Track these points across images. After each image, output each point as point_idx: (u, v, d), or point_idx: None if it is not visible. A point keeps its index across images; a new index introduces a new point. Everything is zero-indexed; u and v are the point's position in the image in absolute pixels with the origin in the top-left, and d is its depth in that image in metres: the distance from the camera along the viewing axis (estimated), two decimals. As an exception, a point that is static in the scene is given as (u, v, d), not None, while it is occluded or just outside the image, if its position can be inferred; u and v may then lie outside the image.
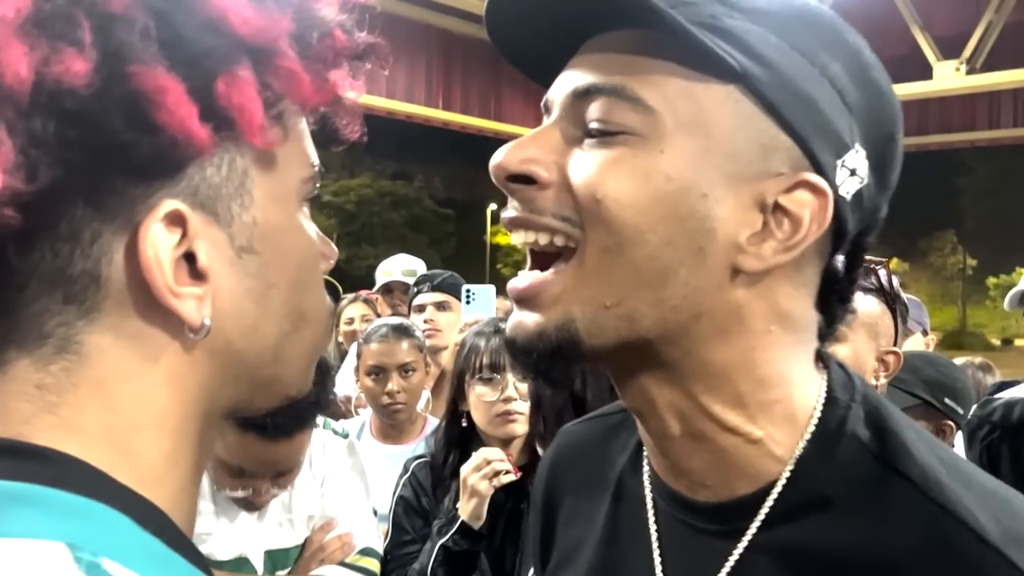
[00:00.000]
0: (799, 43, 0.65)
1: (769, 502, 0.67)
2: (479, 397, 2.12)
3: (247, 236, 0.56)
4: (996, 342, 54.74)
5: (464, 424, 2.18)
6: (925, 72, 9.27)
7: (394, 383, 2.61)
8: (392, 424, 2.68)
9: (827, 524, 0.65)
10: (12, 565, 0.44)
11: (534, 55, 0.74)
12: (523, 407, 2.04)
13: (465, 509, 2.01)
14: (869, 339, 1.73)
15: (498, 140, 11.89)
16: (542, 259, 0.69)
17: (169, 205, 0.52)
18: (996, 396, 2.16)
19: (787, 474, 0.67)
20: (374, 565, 2.00)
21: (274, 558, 1.91)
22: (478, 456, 2.02)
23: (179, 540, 0.53)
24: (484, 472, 1.98)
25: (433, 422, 2.75)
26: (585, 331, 0.65)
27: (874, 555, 0.63)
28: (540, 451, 1.92)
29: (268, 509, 1.92)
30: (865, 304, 1.73)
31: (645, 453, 0.78)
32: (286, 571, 1.90)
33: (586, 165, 0.65)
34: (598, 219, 0.64)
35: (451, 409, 2.23)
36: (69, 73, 0.47)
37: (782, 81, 0.64)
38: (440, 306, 3.24)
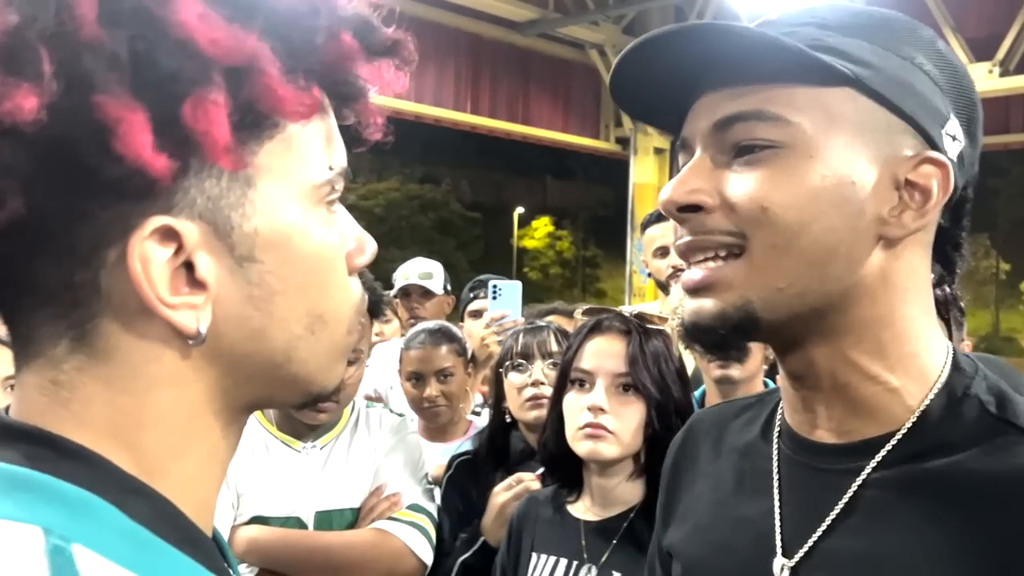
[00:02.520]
0: (887, 44, 0.79)
1: (890, 444, 0.79)
2: (511, 385, 2.18)
3: (248, 246, 0.58)
4: (1030, 347, 53.92)
5: (508, 420, 2.24)
6: (957, 74, 9.19)
7: (432, 388, 2.66)
8: (433, 426, 2.73)
9: (942, 464, 0.76)
10: None
11: (652, 107, 0.87)
12: (550, 392, 2.05)
13: (490, 528, 2.03)
14: None
15: (526, 144, 11.91)
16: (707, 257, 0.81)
17: (157, 222, 0.54)
18: None
19: (912, 420, 0.79)
20: (423, 520, 2.05)
21: (326, 518, 1.98)
22: (513, 478, 2.04)
23: (181, 526, 0.57)
24: (516, 491, 2.00)
25: (478, 423, 2.80)
26: (762, 310, 0.78)
27: (983, 489, 0.73)
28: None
29: (330, 470, 2.02)
30: None
31: (778, 417, 0.90)
32: (334, 530, 1.99)
33: (744, 183, 0.77)
34: (764, 224, 0.76)
35: (495, 406, 2.28)
36: (18, 110, 0.49)
37: (885, 76, 0.77)
38: None
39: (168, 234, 0.54)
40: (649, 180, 10.69)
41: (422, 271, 4.06)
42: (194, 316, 0.56)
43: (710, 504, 0.94)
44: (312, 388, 0.64)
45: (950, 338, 1.72)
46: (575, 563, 1.74)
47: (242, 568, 1.85)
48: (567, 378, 1.79)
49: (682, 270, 0.84)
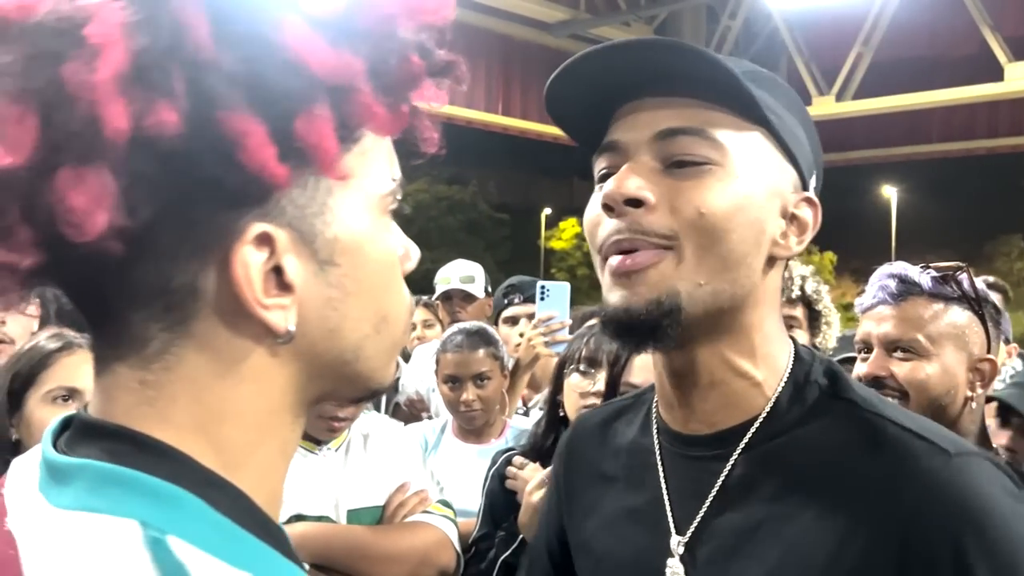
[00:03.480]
0: (782, 100, 0.94)
1: (752, 429, 0.92)
2: (572, 386, 2.14)
3: (329, 251, 0.62)
4: (1065, 349, 53.02)
5: (561, 414, 2.20)
6: (995, 73, 9.07)
7: (469, 392, 2.64)
8: (470, 429, 2.73)
9: (793, 441, 0.91)
10: (88, 535, 0.53)
11: (580, 119, 0.97)
12: None
13: (527, 525, 2.03)
14: (957, 350, 1.65)
15: (556, 145, 11.90)
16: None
17: (258, 228, 0.58)
18: None
19: (767, 408, 0.93)
20: (452, 514, 2.13)
21: (356, 516, 2.03)
22: (542, 473, 2.04)
23: (259, 518, 0.61)
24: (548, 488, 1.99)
25: (512, 425, 2.79)
26: (686, 302, 0.87)
27: (827, 455, 0.89)
28: None
29: (351, 470, 2.07)
30: (949, 315, 1.66)
31: (654, 415, 1.03)
32: (369, 526, 2.04)
33: (687, 190, 0.87)
34: (697, 227, 0.87)
35: (551, 400, 2.26)
36: (162, 124, 0.53)
37: (785, 127, 0.92)
38: (532, 317, 3.23)
39: (264, 239, 0.58)
40: (681, 181, 10.64)
41: (464, 275, 4.03)
42: (284, 316, 0.60)
43: (610, 501, 1.05)
44: (371, 384, 0.69)
45: (987, 336, 1.70)
46: None
47: None
48: (616, 392, 1.78)
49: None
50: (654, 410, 1.03)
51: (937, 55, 10.08)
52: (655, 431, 1.02)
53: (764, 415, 0.92)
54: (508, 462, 2.29)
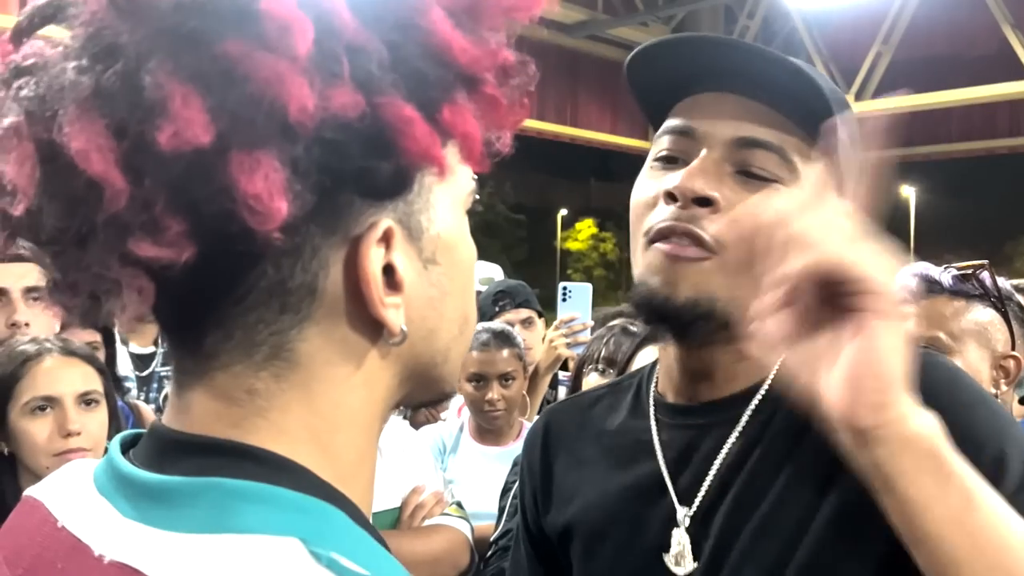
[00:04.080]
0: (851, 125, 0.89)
1: (761, 392, 0.92)
2: (590, 386, 2.15)
3: (432, 249, 0.59)
4: (1087, 350, 52.37)
5: None
6: (1016, 72, 9.00)
7: (494, 392, 2.64)
8: (490, 429, 2.73)
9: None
10: (250, 560, 0.47)
11: (656, 85, 0.95)
12: None
13: None
14: (980, 347, 1.64)
15: (573, 146, 11.90)
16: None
17: (386, 223, 0.55)
18: None
19: (772, 374, 0.90)
20: (466, 515, 2.15)
21: (375, 519, 1.99)
22: None
23: (372, 530, 0.56)
24: None
25: (528, 426, 2.75)
26: (720, 309, 0.87)
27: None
28: None
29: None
30: (971, 313, 1.66)
31: (651, 395, 1.02)
32: (391, 530, 2.04)
33: (752, 203, 0.86)
34: (748, 242, 0.83)
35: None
36: (344, 107, 0.50)
37: (849, 159, 0.86)
38: (526, 323, 3.24)
39: (384, 236, 0.55)
40: (698, 181, 10.62)
41: (483, 276, 4.07)
42: (398, 316, 0.57)
43: (592, 482, 1.03)
44: (446, 387, 0.66)
45: (1011, 333, 1.68)
46: None
47: None
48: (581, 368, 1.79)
49: None
50: (651, 389, 1.02)
51: (957, 54, 10.00)
52: (652, 409, 1.01)
53: (770, 381, 0.91)
54: None
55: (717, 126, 0.89)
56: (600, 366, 2.19)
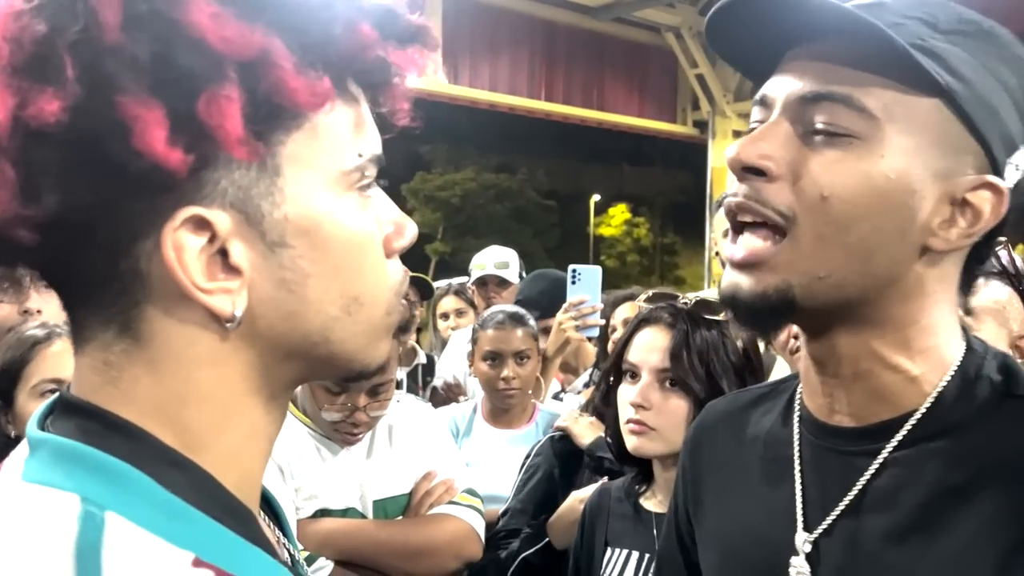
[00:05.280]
0: (987, 60, 0.78)
1: (908, 425, 0.82)
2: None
3: (279, 232, 0.60)
4: None
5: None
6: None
7: (509, 370, 2.65)
8: (504, 409, 2.73)
9: (957, 443, 0.80)
10: (28, 505, 0.55)
11: (746, 52, 0.88)
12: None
13: (557, 529, 2.03)
14: (998, 326, 1.62)
15: (601, 130, 11.84)
16: (750, 229, 0.82)
17: (187, 212, 0.57)
18: None
19: (928, 403, 0.82)
20: (478, 503, 2.12)
21: (384, 506, 2.04)
22: (594, 486, 1.99)
23: (222, 499, 0.61)
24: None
25: (543, 409, 2.78)
26: (800, 296, 0.79)
27: (996, 462, 0.77)
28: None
29: (375, 460, 2.06)
30: (989, 290, 1.63)
31: (797, 403, 0.93)
32: (399, 517, 2.04)
33: (815, 167, 0.77)
34: (819, 212, 0.77)
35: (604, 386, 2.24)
36: (41, 113, 0.53)
37: (976, 95, 0.77)
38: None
39: (200, 223, 0.58)
40: (728, 164, 10.52)
41: (498, 260, 4.09)
42: (230, 300, 0.59)
43: (738, 492, 0.97)
44: (353, 366, 0.67)
45: None
46: (647, 556, 1.71)
47: (320, 561, 1.90)
48: (619, 370, 1.76)
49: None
50: (797, 398, 0.94)
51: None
52: (796, 420, 0.93)
53: (923, 410, 0.82)
54: (553, 441, 2.29)
55: (784, 86, 0.81)
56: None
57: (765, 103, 0.84)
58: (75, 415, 0.61)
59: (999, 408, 0.80)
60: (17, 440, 1.75)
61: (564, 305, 2.90)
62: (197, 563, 0.55)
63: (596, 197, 48.17)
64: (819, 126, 0.78)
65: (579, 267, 2.94)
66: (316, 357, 0.65)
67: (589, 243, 46.01)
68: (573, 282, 2.91)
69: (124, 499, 0.55)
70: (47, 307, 2.11)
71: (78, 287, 0.61)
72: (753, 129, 0.84)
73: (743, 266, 0.82)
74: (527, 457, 2.35)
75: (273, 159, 0.60)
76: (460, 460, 2.23)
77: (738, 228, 0.83)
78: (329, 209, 0.62)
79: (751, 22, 0.83)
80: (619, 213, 46.38)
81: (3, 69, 0.54)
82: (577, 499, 2.03)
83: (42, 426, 0.62)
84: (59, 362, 1.78)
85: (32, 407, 1.72)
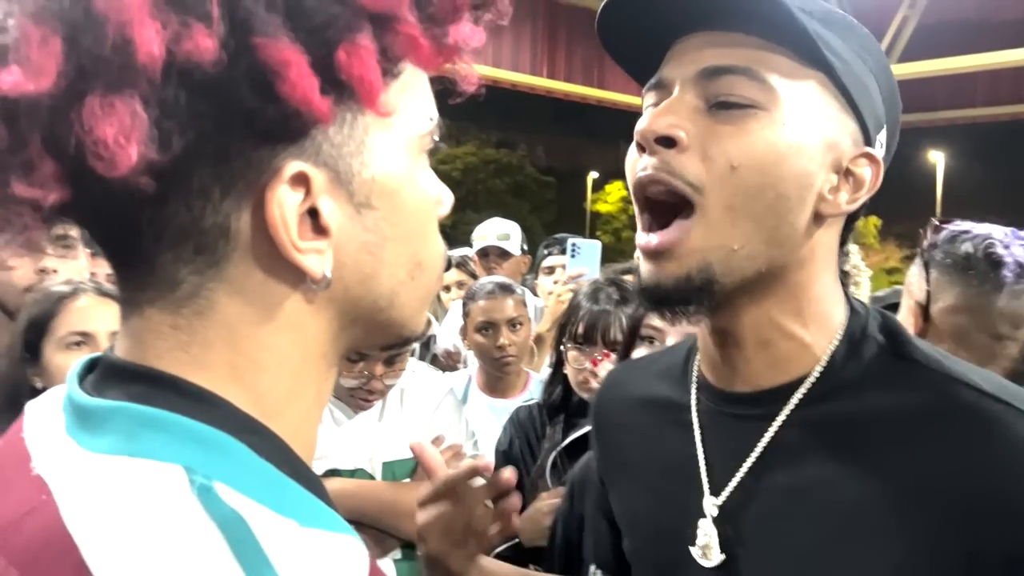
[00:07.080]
0: (853, 45, 0.85)
1: (803, 388, 0.85)
2: (570, 360, 2.20)
3: (366, 192, 0.58)
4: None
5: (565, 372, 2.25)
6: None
7: (504, 337, 2.69)
8: (499, 377, 2.77)
9: (849, 402, 0.83)
10: (131, 481, 0.49)
11: (632, 51, 0.91)
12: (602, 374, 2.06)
13: (526, 530, 2.05)
14: (908, 298, 1.63)
15: (601, 108, 11.84)
16: (658, 212, 0.84)
17: (294, 167, 0.54)
18: None
19: (820, 367, 0.85)
20: None
21: (392, 469, 2.07)
22: (557, 499, 1.98)
23: (297, 466, 0.58)
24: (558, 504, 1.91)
25: (535, 377, 2.85)
26: (720, 273, 0.82)
27: (888, 422, 0.80)
28: None
29: (386, 423, 2.10)
30: (912, 268, 1.65)
31: (694, 373, 0.97)
32: (407, 480, 2.07)
33: (721, 137, 0.80)
34: (728, 182, 0.79)
35: (556, 359, 2.31)
36: (198, 50, 0.49)
37: (852, 74, 0.83)
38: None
39: (300, 180, 0.55)
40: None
41: (500, 232, 4.15)
42: (319, 261, 0.56)
43: (639, 456, 1.01)
44: (404, 331, 0.66)
45: (927, 283, 1.61)
46: None
47: None
48: (636, 334, 1.79)
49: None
50: (695, 365, 0.97)
51: (984, 18, 9.83)
52: (694, 388, 0.96)
53: (816, 374, 0.85)
54: (524, 410, 2.35)
55: (683, 66, 0.84)
56: (578, 341, 2.18)
57: (662, 85, 0.86)
58: (135, 381, 0.56)
59: (889, 370, 0.83)
60: (42, 392, 1.83)
61: (563, 277, 2.98)
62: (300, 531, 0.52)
63: (594, 174, 48.02)
64: (722, 98, 0.81)
65: (578, 240, 3.01)
66: (378, 322, 0.63)
67: (585, 219, 45.91)
68: (572, 255, 2.99)
69: (227, 469, 0.52)
70: (63, 267, 2.13)
71: (148, 242, 0.55)
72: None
73: (658, 254, 0.83)
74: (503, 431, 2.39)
75: (364, 116, 0.57)
76: (468, 430, 2.26)
77: (646, 207, 0.85)
78: (409, 171, 0.61)
79: (639, 15, 0.86)
80: (616, 190, 46.25)
81: (155, 0, 0.49)
82: (541, 512, 2.07)
83: (89, 392, 0.57)
84: (86, 315, 1.82)
85: (58, 359, 1.79)
